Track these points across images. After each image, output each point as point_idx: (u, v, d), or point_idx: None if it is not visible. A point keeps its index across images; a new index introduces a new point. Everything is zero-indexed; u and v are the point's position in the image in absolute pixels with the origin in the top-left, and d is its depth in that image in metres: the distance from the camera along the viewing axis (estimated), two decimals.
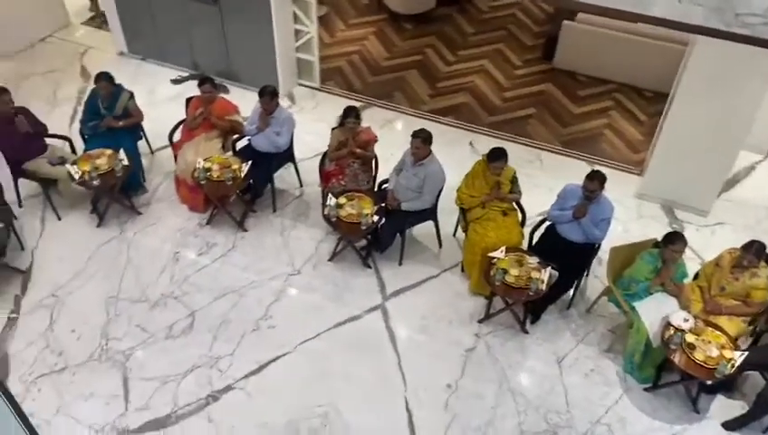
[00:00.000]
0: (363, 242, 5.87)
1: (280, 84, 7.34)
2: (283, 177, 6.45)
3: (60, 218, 6.10)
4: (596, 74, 7.96)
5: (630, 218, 6.32)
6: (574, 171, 6.09)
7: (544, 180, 6.44)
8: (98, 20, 8.51)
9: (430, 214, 5.75)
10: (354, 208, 5.49)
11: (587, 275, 5.70)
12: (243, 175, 5.75)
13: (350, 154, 5.81)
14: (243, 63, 7.47)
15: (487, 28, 8.86)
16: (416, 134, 5.38)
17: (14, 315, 5.33)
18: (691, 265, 5.40)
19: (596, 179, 5.06)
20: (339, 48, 8.45)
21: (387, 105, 7.55)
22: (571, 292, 5.47)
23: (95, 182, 5.69)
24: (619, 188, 6.57)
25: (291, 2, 7.08)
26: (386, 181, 5.81)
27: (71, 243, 5.91)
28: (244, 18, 7.05)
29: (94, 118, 6.11)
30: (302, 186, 6.47)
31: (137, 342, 5.19)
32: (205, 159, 5.82)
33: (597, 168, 6.72)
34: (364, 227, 5.42)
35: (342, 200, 5.55)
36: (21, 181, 6.05)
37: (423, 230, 6.01)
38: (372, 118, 7.20)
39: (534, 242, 5.55)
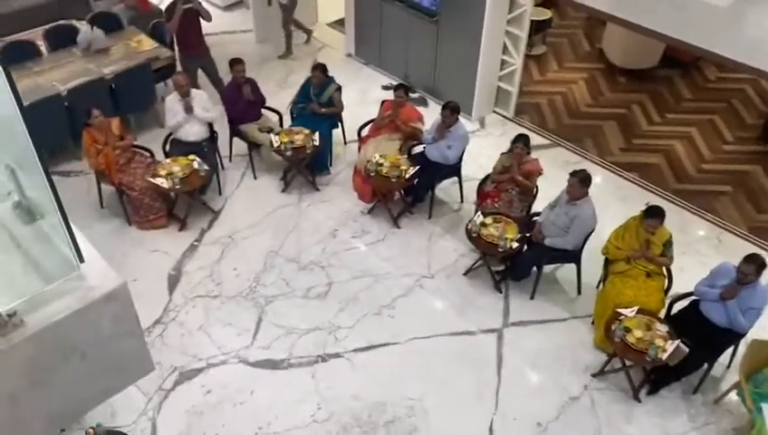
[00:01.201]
0: (501, 267, 6.01)
1: (474, 108, 7.76)
2: (448, 190, 6.82)
3: (255, 178, 7.10)
4: None
5: None
6: None
7: (715, 260, 5.95)
8: (340, 26, 9.63)
9: (573, 257, 5.71)
10: (497, 230, 5.66)
11: (728, 367, 5.25)
12: (407, 176, 6.23)
13: (511, 180, 5.99)
14: (446, 82, 7.99)
15: (707, 97, 8.41)
16: (574, 173, 5.41)
17: (196, 243, 6.37)
18: None
19: (754, 263, 4.68)
20: (545, 87, 8.61)
21: (573, 148, 7.55)
22: (701, 375, 5.08)
23: (287, 153, 6.56)
24: None
25: (504, 33, 7.45)
26: (538, 214, 5.89)
27: (257, 199, 6.86)
28: (456, 40, 7.57)
29: (303, 101, 7.02)
30: (462, 202, 6.77)
31: (279, 292, 5.90)
32: (381, 156, 6.41)
33: None
34: (501, 250, 5.58)
35: (489, 220, 5.75)
36: (235, 141, 7.16)
37: (566, 273, 5.98)
38: (555, 157, 7.29)
39: (673, 313, 5.26)
